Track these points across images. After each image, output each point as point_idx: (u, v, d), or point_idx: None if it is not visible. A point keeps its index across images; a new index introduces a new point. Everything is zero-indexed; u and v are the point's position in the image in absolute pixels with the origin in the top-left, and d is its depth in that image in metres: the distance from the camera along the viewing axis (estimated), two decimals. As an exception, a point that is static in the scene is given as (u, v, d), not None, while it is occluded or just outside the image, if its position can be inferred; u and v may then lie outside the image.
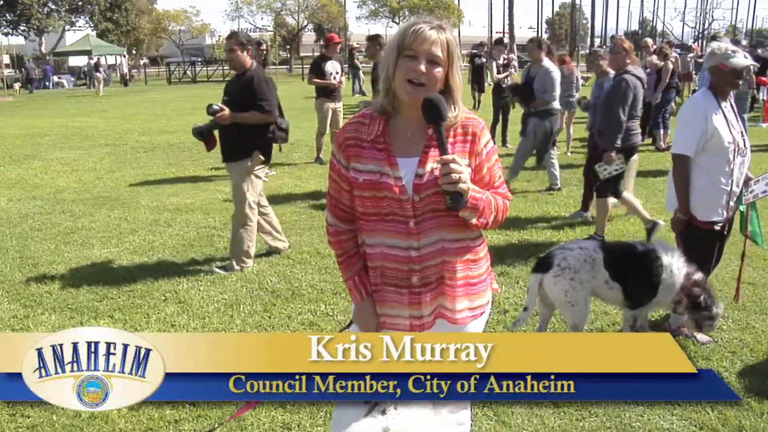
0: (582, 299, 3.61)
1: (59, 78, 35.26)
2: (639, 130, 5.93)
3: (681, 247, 3.74)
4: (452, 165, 1.82)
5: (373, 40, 8.63)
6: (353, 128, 2.02)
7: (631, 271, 3.63)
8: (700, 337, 3.85)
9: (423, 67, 1.88)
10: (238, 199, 5.06)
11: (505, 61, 10.96)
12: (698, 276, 3.59)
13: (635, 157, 6.27)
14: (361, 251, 2.09)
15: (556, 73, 7.50)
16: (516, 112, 9.70)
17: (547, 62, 7.55)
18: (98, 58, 35.05)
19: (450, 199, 1.85)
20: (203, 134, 5.05)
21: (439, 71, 1.90)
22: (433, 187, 1.91)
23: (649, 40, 10.73)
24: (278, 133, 5.06)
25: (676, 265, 3.58)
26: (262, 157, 5.00)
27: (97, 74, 30.28)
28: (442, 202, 1.91)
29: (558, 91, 7.52)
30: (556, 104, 7.60)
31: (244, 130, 4.87)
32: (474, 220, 1.94)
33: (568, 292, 3.59)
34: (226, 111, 4.85)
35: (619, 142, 5.57)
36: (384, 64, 1.96)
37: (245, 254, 5.14)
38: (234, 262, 5.15)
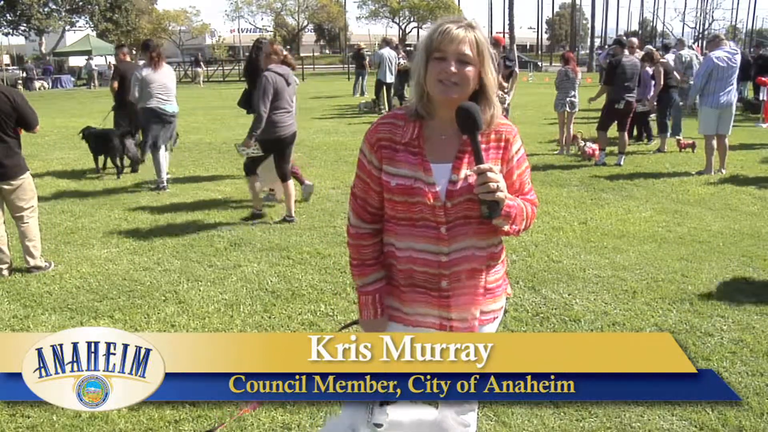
0: None
1: (37, 80, 33.86)
2: (287, 123, 6.29)
3: None
4: (489, 174, 1.80)
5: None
6: (387, 129, 1.98)
7: None
8: None
9: (453, 68, 1.84)
10: None
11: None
12: None
13: (290, 149, 6.49)
14: (387, 251, 2.06)
15: (138, 73, 7.91)
16: (516, 112, 9.67)
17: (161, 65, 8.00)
18: (88, 60, 35.70)
19: (486, 208, 1.84)
20: None
21: (470, 70, 1.86)
22: (466, 194, 1.89)
23: (635, 40, 10.88)
24: None
25: None
26: None
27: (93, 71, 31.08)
28: (474, 209, 1.89)
29: (136, 92, 7.90)
30: (154, 103, 7.92)
31: None
32: (506, 227, 1.93)
33: None
34: None
35: (258, 131, 6.07)
36: (414, 68, 1.93)
37: None
38: None
